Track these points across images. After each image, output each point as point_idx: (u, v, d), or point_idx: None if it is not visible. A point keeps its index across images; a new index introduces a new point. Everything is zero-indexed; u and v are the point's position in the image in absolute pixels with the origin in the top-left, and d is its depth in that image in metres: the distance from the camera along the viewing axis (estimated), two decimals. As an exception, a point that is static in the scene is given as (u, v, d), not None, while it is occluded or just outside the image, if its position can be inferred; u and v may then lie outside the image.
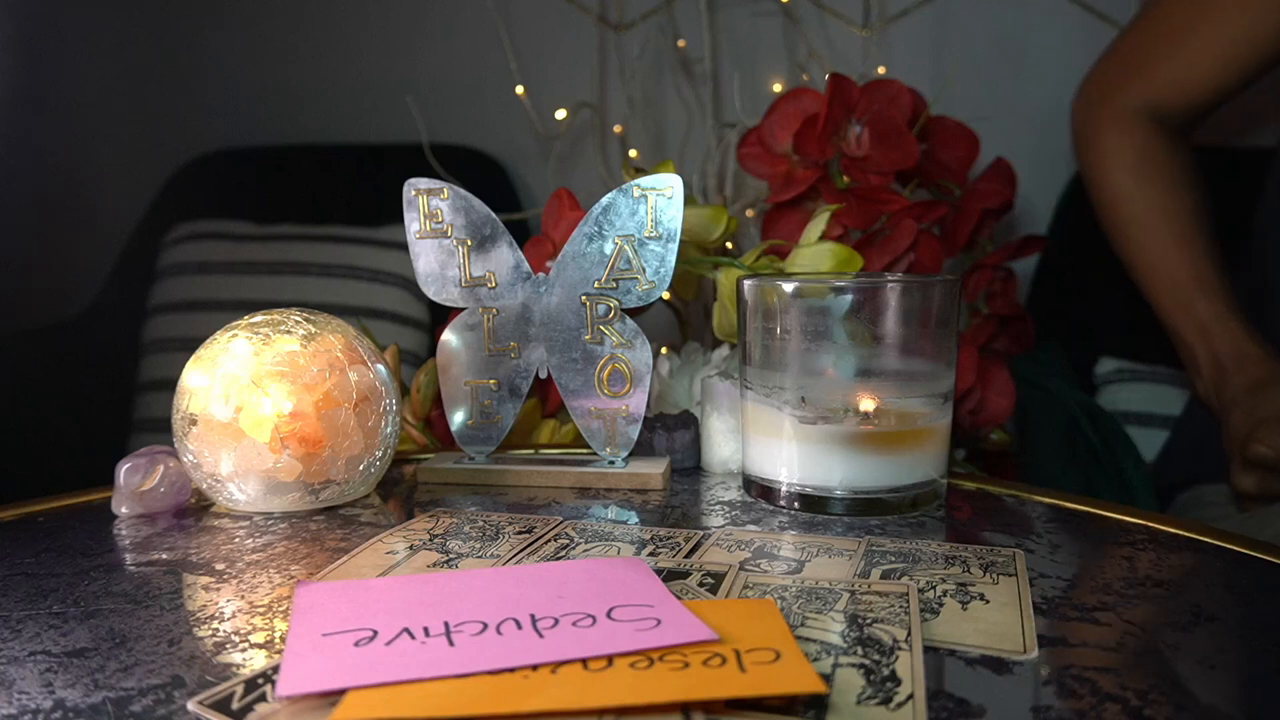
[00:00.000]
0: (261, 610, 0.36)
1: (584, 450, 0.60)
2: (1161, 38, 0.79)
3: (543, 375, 0.54)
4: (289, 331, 0.49)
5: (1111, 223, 0.82)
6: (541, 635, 0.30)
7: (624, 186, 0.52)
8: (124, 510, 0.48)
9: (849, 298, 0.46)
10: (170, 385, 0.50)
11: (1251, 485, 0.68)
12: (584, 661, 0.28)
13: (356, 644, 0.30)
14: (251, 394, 0.47)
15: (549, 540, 0.43)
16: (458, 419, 0.55)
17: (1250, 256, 0.83)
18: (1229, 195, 0.88)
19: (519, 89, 1.12)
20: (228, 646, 0.33)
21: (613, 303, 0.53)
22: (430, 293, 0.55)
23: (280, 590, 0.38)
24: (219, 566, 0.41)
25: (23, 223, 1.37)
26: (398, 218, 0.54)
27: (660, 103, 1.21)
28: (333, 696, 0.27)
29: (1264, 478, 0.68)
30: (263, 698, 0.28)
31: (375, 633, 0.31)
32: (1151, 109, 0.80)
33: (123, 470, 0.49)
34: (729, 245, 0.75)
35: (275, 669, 0.30)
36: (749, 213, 1.01)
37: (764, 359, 0.49)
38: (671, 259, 0.52)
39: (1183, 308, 0.76)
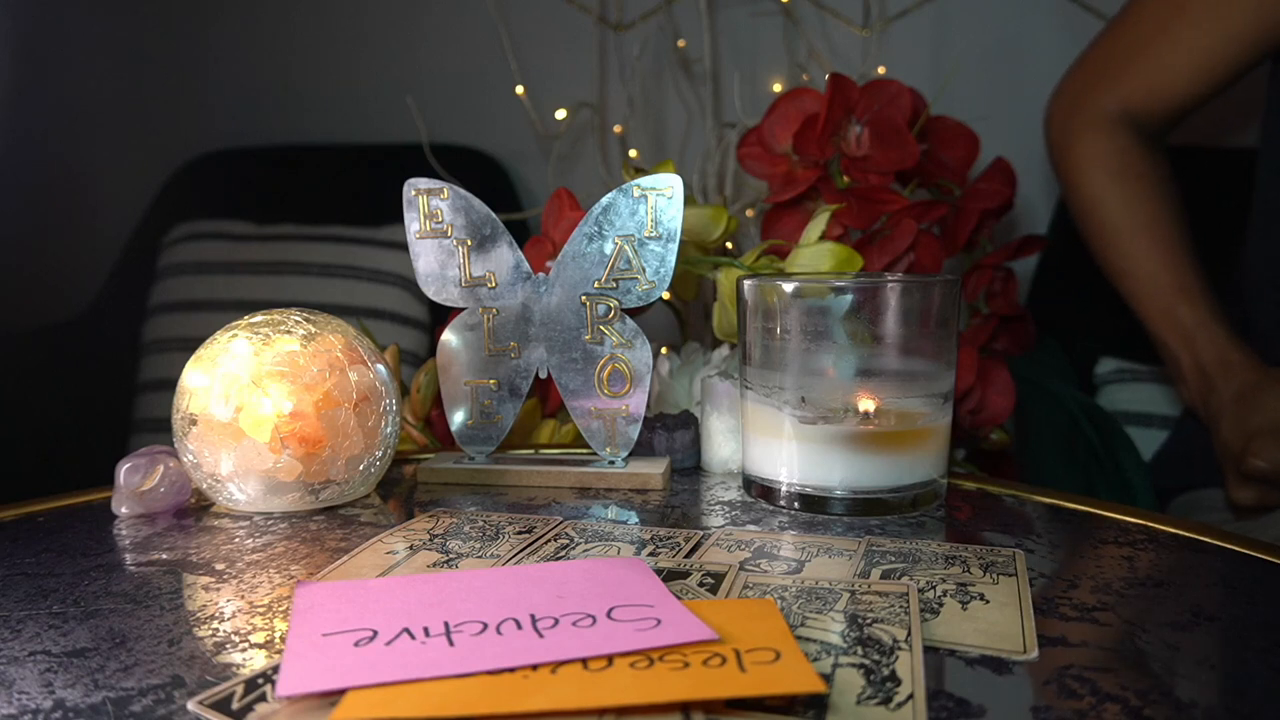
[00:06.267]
0: (261, 610, 0.36)
1: (584, 450, 0.60)
2: (1136, 42, 0.79)
3: (543, 375, 0.54)
4: (289, 331, 0.49)
5: (1090, 228, 0.81)
6: (541, 635, 0.30)
7: (624, 186, 0.52)
8: (124, 510, 0.48)
9: (849, 298, 0.46)
10: (170, 385, 0.50)
11: (1250, 498, 0.68)
12: (584, 661, 0.28)
13: (356, 644, 0.30)
14: (251, 394, 0.47)
15: (549, 540, 0.43)
16: (458, 419, 0.55)
17: (1236, 291, 0.82)
18: (1216, 195, 0.88)
19: (519, 89, 1.13)
20: (228, 646, 0.33)
21: (613, 303, 0.53)
22: (430, 293, 0.55)
23: (280, 590, 0.38)
24: (219, 566, 0.41)
25: (23, 223, 1.37)
26: (398, 218, 0.54)
27: (660, 103, 1.21)
28: (333, 696, 0.27)
29: (1262, 491, 0.67)
30: (263, 698, 0.28)
31: (375, 633, 0.31)
32: (1126, 114, 0.79)
33: (123, 470, 0.49)
34: (729, 245, 0.75)
35: (275, 669, 0.30)
36: (749, 213, 1.01)
37: (764, 359, 0.49)
38: (671, 259, 0.52)
39: (1165, 314, 0.75)
